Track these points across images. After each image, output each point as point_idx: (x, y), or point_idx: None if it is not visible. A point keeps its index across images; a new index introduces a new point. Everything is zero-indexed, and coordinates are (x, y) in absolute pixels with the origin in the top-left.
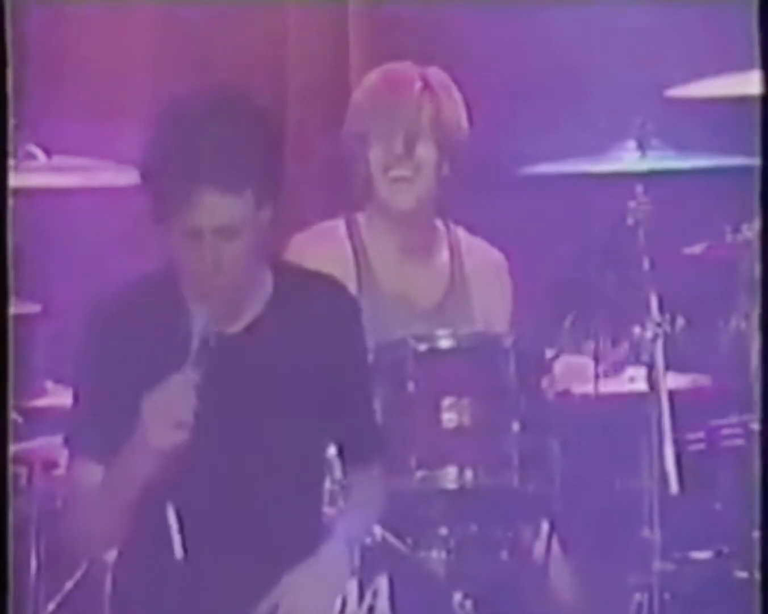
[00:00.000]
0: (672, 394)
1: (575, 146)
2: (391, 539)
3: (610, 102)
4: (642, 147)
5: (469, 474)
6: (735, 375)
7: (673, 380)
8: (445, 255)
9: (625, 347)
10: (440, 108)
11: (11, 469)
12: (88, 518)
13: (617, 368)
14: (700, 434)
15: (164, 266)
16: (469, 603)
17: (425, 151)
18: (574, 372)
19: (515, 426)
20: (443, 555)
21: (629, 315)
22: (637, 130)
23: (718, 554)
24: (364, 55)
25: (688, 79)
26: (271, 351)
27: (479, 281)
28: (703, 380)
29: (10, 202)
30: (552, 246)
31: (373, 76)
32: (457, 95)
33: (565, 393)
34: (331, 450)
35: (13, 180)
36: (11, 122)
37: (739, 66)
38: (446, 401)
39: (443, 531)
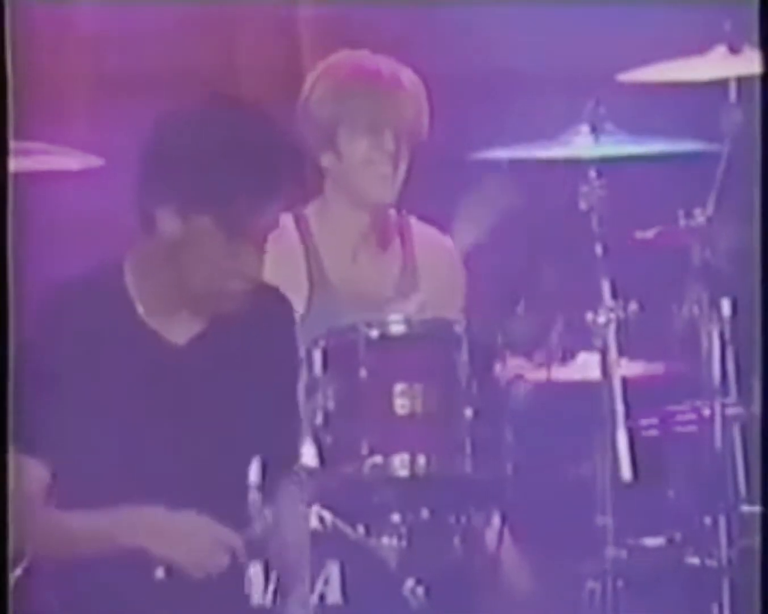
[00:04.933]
0: (625, 380)
1: (528, 131)
2: (342, 526)
3: (564, 87)
4: (595, 131)
5: (421, 460)
6: (688, 361)
7: (625, 366)
8: (396, 244)
9: (577, 332)
10: (418, 107)
11: (11, 469)
12: (28, 516)
13: (570, 354)
14: (653, 421)
15: (109, 262)
16: (420, 590)
17: (405, 150)
18: (527, 358)
19: (468, 413)
20: (395, 541)
21: (582, 301)
22: (590, 115)
23: (671, 541)
24: (315, 50)
25: (641, 64)
26: (212, 364)
27: (430, 269)
28: (656, 366)
29: (10, 195)
30: (504, 231)
31: (342, 64)
32: (423, 93)
33: (519, 380)
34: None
35: None
36: (11, 120)
37: (693, 50)
38: (398, 388)
39: (395, 517)
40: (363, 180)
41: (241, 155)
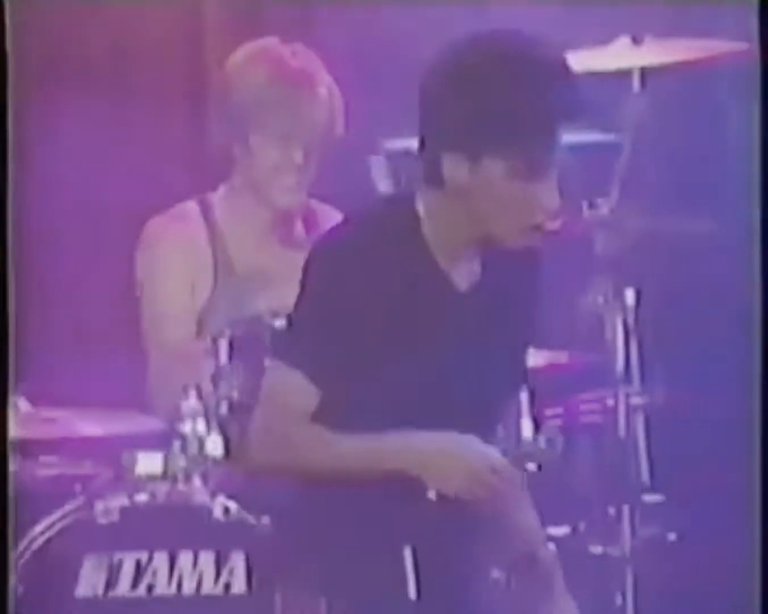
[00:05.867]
0: (530, 370)
1: None
2: (247, 516)
3: None
4: None
5: None
6: (592, 351)
7: (530, 356)
8: (300, 231)
9: None
10: (332, 113)
11: (11, 468)
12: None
13: None
14: (558, 410)
15: (404, 195)
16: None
17: (315, 157)
18: None
19: None
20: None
21: None
22: None
23: (575, 530)
24: (221, 38)
25: None
26: (485, 314)
27: None
28: (561, 355)
29: (11, 198)
30: None
31: (260, 57)
32: (338, 96)
33: None
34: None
35: None
36: (11, 122)
37: (597, 41)
38: None
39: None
40: (268, 185)
41: (521, 91)
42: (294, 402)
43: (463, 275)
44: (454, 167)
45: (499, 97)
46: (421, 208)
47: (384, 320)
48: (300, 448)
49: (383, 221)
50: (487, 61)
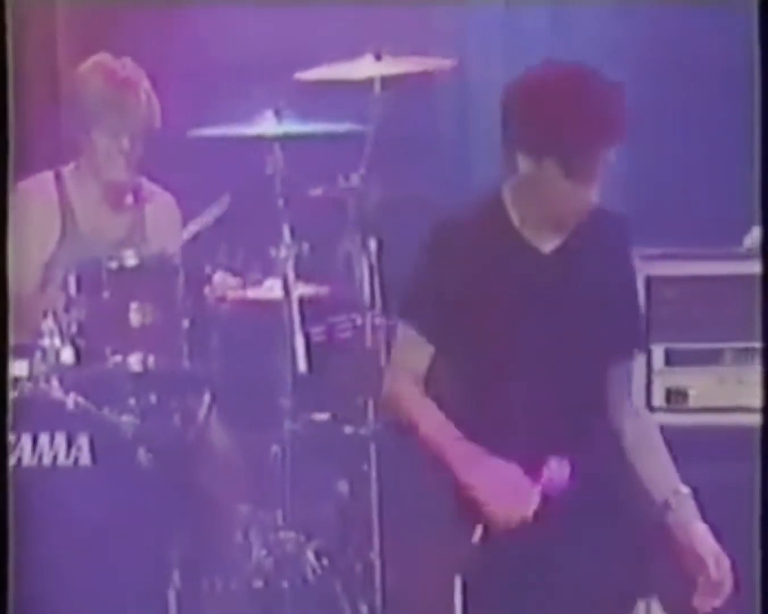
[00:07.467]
0: (301, 299)
1: (232, 114)
2: (92, 407)
3: (257, 80)
4: (279, 115)
5: (151, 359)
6: (346, 284)
7: (301, 288)
8: (130, 200)
9: (265, 263)
10: (151, 112)
11: (10, 470)
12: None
13: (259, 280)
14: (321, 328)
15: (492, 194)
16: (150, 456)
17: (140, 145)
18: (228, 283)
19: (185, 323)
20: (131, 419)
21: (268, 240)
22: (274, 102)
23: (334, 416)
24: (70, 45)
25: (313, 64)
26: (571, 274)
27: (155, 216)
28: (323, 288)
29: (11, 198)
30: (212, 190)
31: (98, 70)
32: (155, 98)
33: (223, 299)
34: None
35: None
36: (11, 124)
37: (349, 56)
38: (133, 305)
39: (131, 401)
40: (104, 167)
41: (574, 104)
42: (408, 359)
43: (546, 241)
44: (523, 162)
45: (558, 116)
46: (506, 192)
47: (482, 285)
48: (408, 408)
49: (477, 208)
50: (552, 87)
